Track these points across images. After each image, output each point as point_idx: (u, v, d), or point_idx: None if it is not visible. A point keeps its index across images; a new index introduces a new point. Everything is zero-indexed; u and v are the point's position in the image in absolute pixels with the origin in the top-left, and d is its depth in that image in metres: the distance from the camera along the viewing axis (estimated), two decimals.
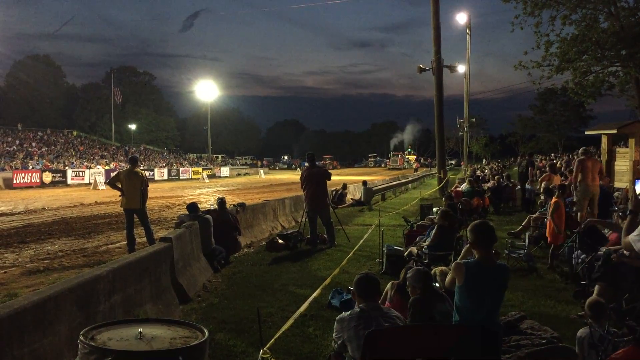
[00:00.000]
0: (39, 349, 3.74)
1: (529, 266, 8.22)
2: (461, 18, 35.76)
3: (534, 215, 10.87)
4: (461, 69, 33.14)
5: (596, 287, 5.63)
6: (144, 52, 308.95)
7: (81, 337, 2.75)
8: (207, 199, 24.97)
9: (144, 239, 10.74)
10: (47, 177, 35.64)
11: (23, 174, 34.12)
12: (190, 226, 8.18)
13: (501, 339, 3.97)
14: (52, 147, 50.73)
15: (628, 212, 5.50)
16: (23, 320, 3.64)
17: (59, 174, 37.30)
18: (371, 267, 8.59)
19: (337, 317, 3.62)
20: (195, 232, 8.32)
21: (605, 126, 16.24)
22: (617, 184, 14.15)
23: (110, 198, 22.46)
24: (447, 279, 4.04)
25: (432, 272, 5.38)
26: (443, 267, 5.55)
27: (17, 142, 48.15)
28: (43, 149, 47.97)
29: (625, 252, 5.40)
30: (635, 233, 4.94)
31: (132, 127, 78.95)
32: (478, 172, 29.47)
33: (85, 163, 45.29)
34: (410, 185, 32.46)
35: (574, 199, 11.10)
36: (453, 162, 77.78)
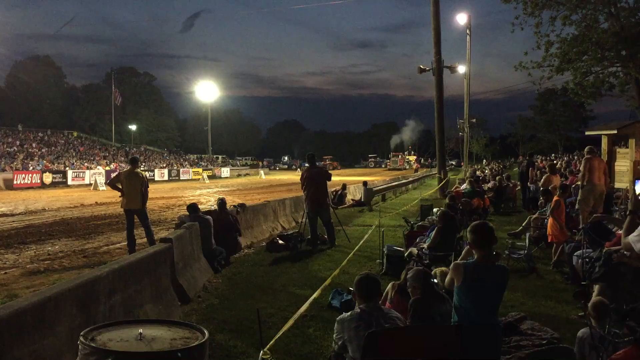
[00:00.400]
0: (39, 349, 3.74)
1: (529, 267, 8.22)
2: (461, 18, 35.78)
3: (534, 216, 10.87)
4: (461, 69, 33.15)
5: (596, 288, 5.63)
6: (144, 53, 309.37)
7: (81, 338, 2.75)
8: (207, 199, 24.98)
9: (145, 239, 10.74)
10: (48, 178, 35.66)
11: (23, 175, 34.13)
12: (191, 227, 8.18)
13: (501, 339, 3.97)
14: (53, 147, 50.74)
15: (628, 213, 5.49)
16: (23, 321, 3.64)
17: (59, 175, 37.31)
18: (371, 268, 8.59)
19: (338, 318, 3.62)
20: (195, 233, 8.32)
21: (605, 126, 16.25)
22: (617, 185, 14.15)
23: (110, 199, 22.46)
24: (446, 280, 4.05)
25: (433, 272, 5.38)
26: (443, 268, 5.55)
27: (18, 142, 48.16)
28: (43, 150, 47.98)
29: (625, 252, 5.39)
30: (635, 234, 4.93)
31: (133, 127, 79.02)
32: (478, 173, 29.46)
33: (86, 164, 45.30)
34: (410, 185, 32.45)
35: (579, 198, 11.07)
36: (453, 163, 77.79)
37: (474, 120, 42.29)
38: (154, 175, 45.76)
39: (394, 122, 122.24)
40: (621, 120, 18.87)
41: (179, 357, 2.64)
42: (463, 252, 4.63)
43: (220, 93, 75.87)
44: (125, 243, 10.57)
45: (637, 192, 11.54)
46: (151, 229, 10.67)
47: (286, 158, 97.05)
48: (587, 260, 6.35)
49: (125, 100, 78.12)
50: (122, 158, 53.49)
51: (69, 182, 37.17)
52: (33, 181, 34.14)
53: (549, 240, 8.72)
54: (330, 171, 12.18)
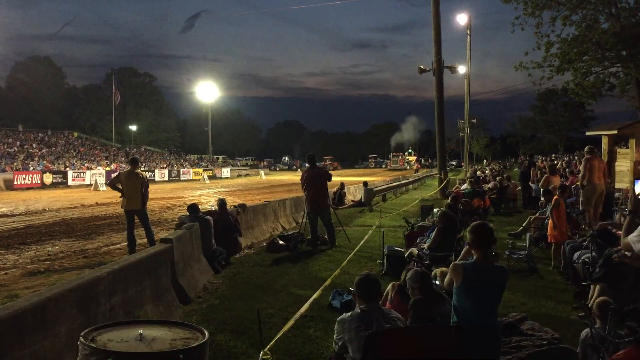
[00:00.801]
0: (39, 350, 3.74)
1: (530, 267, 8.22)
2: (462, 19, 35.79)
3: (534, 216, 10.87)
4: (462, 69, 33.18)
5: (597, 288, 5.62)
6: (144, 53, 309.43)
7: (81, 339, 2.75)
8: (207, 200, 24.99)
9: (145, 240, 10.74)
10: (48, 178, 35.68)
11: (24, 175, 34.15)
12: (191, 227, 8.19)
13: (500, 339, 3.97)
14: (53, 148, 50.77)
15: (627, 213, 5.49)
16: (23, 322, 3.64)
17: (59, 175, 37.33)
18: (372, 268, 8.59)
19: (338, 318, 3.61)
20: (195, 233, 8.33)
21: (606, 127, 16.25)
22: (618, 185, 14.15)
23: (110, 199, 22.47)
24: (445, 280, 4.05)
25: (433, 273, 5.38)
26: (443, 268, 5.55)
27: (18, 143, 48.19)
28: (44, 150, 48.00)
29: (627, 253, 5.39)
30: (634, 234, 4.93)
31: (133, 128, 79.07)
32: (479, 173, 29.46)
33: (86, 164, 45.32)
34: (410, 186, 32.45)
35: (582, 199, 11.07)
36: (454, 163, 77.76)
37: (475, 120, 42.30)
38: (154, 175, 45.77)
39: (395, 123, 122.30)
40: (622, 120, 18.87)
41: (181, 358, 2.64)
42: (462, 252, 4.62)
43: (220, 93, 76.06)
44: (126, 243, 10.58)
45: (637, 192, 11.56)
46: (151, 230, 10.67)
47: (286, 158, 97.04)
48: (587, 260, 6.36)
49: (126, 101, 78.23)
50: (123, 158, 53.51)
51: (69, 182, 37.18)
52: (33, 181, 34.16)
53: (549, 241, 8.72)
54: (330, 171, 12.18)
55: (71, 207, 20.37)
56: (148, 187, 10.51)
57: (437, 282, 4.99)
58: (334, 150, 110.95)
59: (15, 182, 32.51)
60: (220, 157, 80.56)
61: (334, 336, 3.60)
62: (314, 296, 5.84)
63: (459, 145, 68.48)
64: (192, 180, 50.31)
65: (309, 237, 10.98)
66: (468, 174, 26.12)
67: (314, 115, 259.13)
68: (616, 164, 14.91)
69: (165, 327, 3.09)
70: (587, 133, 18.65)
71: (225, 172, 60.60)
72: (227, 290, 7.59)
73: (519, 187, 18.59)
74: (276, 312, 6.30)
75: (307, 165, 11.63)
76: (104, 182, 32.94)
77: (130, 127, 78.72)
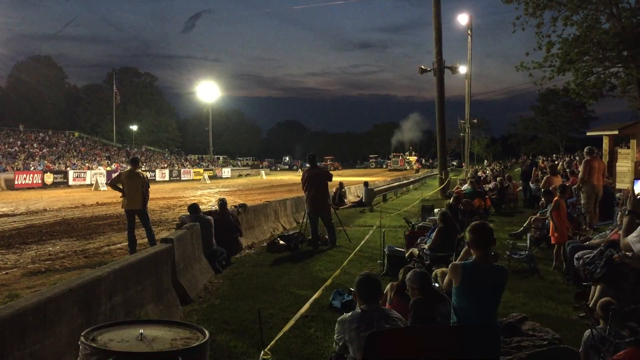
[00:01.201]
0: (40, 350, 3.74)
1: (531, 267, 8.21)
2: (462, 19, 35.83)
3: (535, 217, 10.87)
4: (462, 69, 33.21)
5: (598, 288, 5.62)
6: (145, 53, 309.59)
7: (82, 338, 2.75)
8: (208, 200, 24.99)
9: (145, 240, 10.75)
10: (49, 178, 35.70)
11: (25, 175, 34.17)
12: (192, 227, 8.19)
13: (500, 339, 3.97)
14: (54, 148, 50.81)
15: (626, 213, 5.49)
16: (24, 321, 3.64)
17: (60, 175, 37.35)
18: (372, 268, 8.59)
19: (339, 319, 3.61)
20: (196, 233, 8.33)
21: (606, 127, 16.26)
22: (618, 185, 14.16)
23: (111, 199, 22.48)
24: (444, 280, 4.05)
25: (433, 273, 5.38)
26: (444, 269, 5.55)
27: (19, 143, 48.23)
28: (45, 150, 48.04)
29: (627, 253, 5.40)
30: (634, 234, 4.94)
31: (134, 128, 79.11)
32: (479, 173, 29.44)
33: (87, 164, 45.34)
34: (411, 186, 32.44)
35: (582, 201, 11.07)
36: (454, 163, 77.72)
37: (475, 120, 42.28)
38: (155, 175, 45.78)
39: (395, 123, 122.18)
40: (623, 121, 18.87)
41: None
42: (462, 252, 4.62)
43: (221, 93, 76.06)
44: (126, 243, 10.58)
45: (637, 193, 11.55)
46: (152, 230, 10.68)
47: (287, 158, 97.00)
48: (588, 261, 6.36)
49: (127, 101, 78.29)
50: (123, 158, 53.54)
51: (70, 182, 37.19)
52: (34, 181, 34.18)
53: (552, 242, 8.70)
54: (331, 172, 12.18)
55: (72, 207, 20.38)
56: (149, 187, 10.52)
57: (437, 285, 4.99)
58: (335, 151, 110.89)
59: (16, 182, 32.53)
60: (221, 157, 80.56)
61: (335, 336, 3.60)
62: (315, 296, 5.85)
63: (459, 145, 68.44)
64: (193, 180, 50.31)
65: (310, 237, 10.98)
66: (469, 174, 26.11)
67: (315, 116, 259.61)
68: (617, 164, 14.91)
69: (165, 327, 3.09)
70: (588, 133, 18.67)
71: (226, 172, 60.60)
72: (228, 290, 7.59)
73: (520, 188, 18.61)
74: (277, 312, 6.30)
75: (307, 165, 11.63)
76: (104, 182, 32.95)
77: (131, 127, 78.76)
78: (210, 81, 70.08)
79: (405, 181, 32.72)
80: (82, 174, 39.23)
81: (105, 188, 31.12)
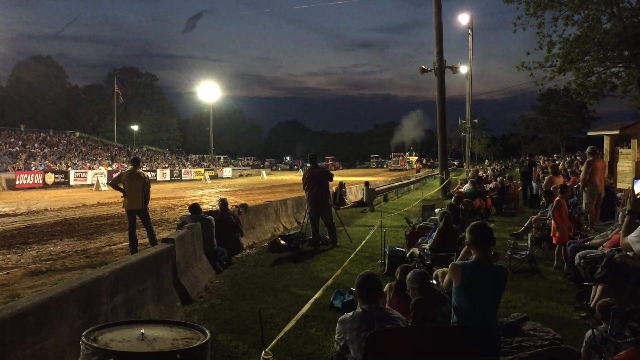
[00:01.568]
0: (41, 349, 3.74)
1: (532, 267, 8.21)
2: (463, 19, 35.83)
3: (535, 217, 10.86)
4: (463, 69, 33.21)
5: (599, 288, 5.62)
6: (146, 53, 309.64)
7: (83, 338, 2.75)
8: (209, 200, 25.00)
9: (146, 239, 10.76)
10: (50, 178, 35.72)
11: (26, 175, 34.19)
12: (193, 227, 8.19)
13: (500, 340, 3.97)
14: (55, 148, 50.84)
15: (626, 212, 5.48)
16: (25, 321, 3.64)
17: (61, 175, 37.36)
18: (373, 268, 8.58)
19: (339, 318, 3.61)
20: (197, 233, 8.33)
21: (607, 127, 16.23)
22: (619, 185, 14.13)
23: (112, 199, 22.49)
24: (444, 280, 4.05)
25: (434, 273, 5.38)
26: (444, 269, 5.55)
27: (20, 143, 48.26)
28: (46, 150, 48.07)
29: (629, 253, 5.39)
30: (634, 234, 4.92)
31: (135, 128, 79.16)
32: (480, 173, 29.45)
33: (88, 164, 45.37)
34: (412, 186, 32.44)
35: (586, 201, 11.04)
36: (455, 163, 77.66)
37: (476, 120, 42.29)
38: (156, 175, 45.80)
39: (396, 123, 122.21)
40: (623, 120, 18.84)
41: (178, 359, 2.64)
42: (462, 252, 4.63)
43: (222, 93, 76.00)
44: (127, 243, 10.59)
45: (637, 192, 11.53)
46: (153, 230, 10.68)
47: (288, 158, 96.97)
48: (589, 260, 6.35)
49: (128, 101, 78.30)
50: (124, 158, 53.55)
51: (71, 182, 37.21)
52: (35, 181, 34.20)
53: (554, 242, 8.69)
54: (332, 171, 12.17)
55: (73, 207, 20.40)
56: (150, 187, 10.52)
57: (435, 282, 4.99)
58: (336, 150, 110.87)
59: (17, 182, 32.55)
60: (222, 157, 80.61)
61: (335, 336, 3.60)
62: (316, 296, 5.84)
63: (460, 145, 68.42)
64: (194, 180, 50.34)
65: (311, 237, 10.98)
66: (469, 174, 26.10)
67: (316, 115, 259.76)
68: (618, 164, 14.90)
69: (166, 327, 3.09)
70: (589, 133, 18.65)
71: (227, 172, 60.62)
72: (229, 290, 7.59)
73: (521, 188, 18.61)
74: (278, 312, 6.31)
75: (308, 165, 11.63)
76: (105, 181, 32.97)
77: (132, 127, 78.82)
78: (211, 81, 70.09)
79: (406, 181, 32.72)
80: (83, 174, 39.25)
81: (106, 188, 31.13)
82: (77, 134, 64.32)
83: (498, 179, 19.16)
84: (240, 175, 61.66)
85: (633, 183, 12.52)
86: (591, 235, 8.64)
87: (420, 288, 4.42)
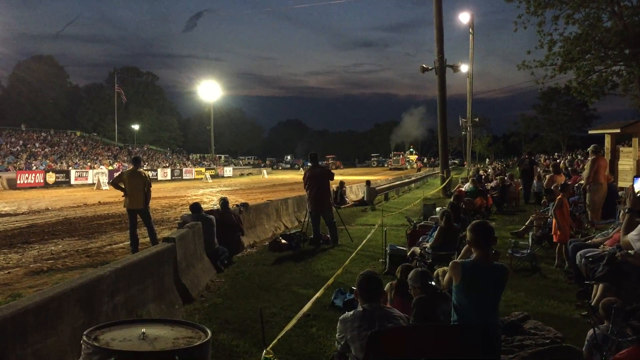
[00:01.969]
0: (42, 349, 3.75)
1: (533, 266, 8.20)
2: (464, 17, 35.77)
3: (536, 215, 10.85)
4: (464, 68, 33.19)
5: (600, 287, 5.61)
6: (147, 53, 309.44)
7: (84, 338, 2.76)
8: (210, 199, 25.00)
9: (147, 239, 10.76)
10: (51, 178, 35.74)
11: (27, 175, 34.22)
12: (194, 226, 8.19)
13: (500, 338, 3.96)
14: (56, 147, 50.84)
15: (626, 211, 5.48)
16: (26, 321, 3.65)
17: (62, 175, 37.38)
18: (374, 267, 8.58)
19: (340, 317, 3.61)
20: (198, 233, 8.33)
21: (608, 125, 16.21)
22: (620, 184, 14.11)
23: (113, 198, 22.50)
24: (445, 279, 4.04)
25: (435, 272, 5.38)
26: (445, 268, 5.55)
27: (21, 142, 48.27)
28: (46, 150, 48.09)
29: (630, 251, 5.38)
30: (634, 232, 4.93)
31: (135, 127, 79.22)
32: (481, 172, 29.44)
33: (89, 163, 45.38)
34: (413, 185, 32.43)
35: (590, 200, 11.01)
36: (456, 162, 77.57)
37: (477, 119, 42.26)
38: (156, 174, 45.82)
39: (397, 122, 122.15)
40: (625, 119, 18.83)
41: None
42: (462, 250, 4.62)
43: (222, 92, 76.18)
44: (128, 242, 10.60)
45: (637, 190, 11.51)
46: (154, 229, 10.68)
47: (289, 157, 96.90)
48: (590, 259, 6.34)
49: (128, 100, 78.35)
50: (125, 158, 53.55)
51: (72, 181, 37.24)
52: (36, 181, 34.22)
53: (554, 241, 8.68)
54: (333, 170, 12.17)
55: (74, 206, 20.41)
56: (150, 186, 10.53)
57: (433, 283, 4.99)
58: (336, 149, 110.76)
59: (18, 182, 32.58)
60: (223, 156, 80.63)
61: (336, 335, 3.60)
62: (317, 295, 5.83)
63: (461, 144, 68.36)
64: (195, 179, 50.37)
65: (312, 236, 10.98)
66: (471, 173, 26.09)
67: (316, 114, 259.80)
68: (619, 162, 14.88)
69: (167, 326, 3.09)
70: (589, 132, 18.61)
71: (228, 171, 60.64)
72: (230, 289, 7.60)
73: (521, 186, 18.61)
74: (279, 311, 6.31)
75: (309, 164, 11.63)
76: (106, 181, 33.02)
77: (133, 126, 78.89)
78: (211, 80, 70.24)
79: (406, 180, 32.71)
80: (84, 173, 39.27)
81: (107, 187, 31.16)
82: (78, 133, 64.33)
83: (499, 177, 19.15)
84: (241, 175, 61.67)
85: (633, 181, 12.52)
86: (592, 234, 8.63)
87: (422, 287, 4.42)
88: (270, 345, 3.79)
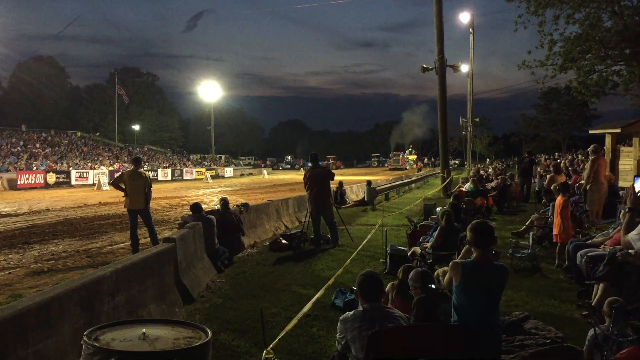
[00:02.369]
0: (43, 349, 3.75)
1: (533, 266, 8.20)
2: (464, 17, 35.77)
3: (537, 215, 10.85)
4: (464, 68, 33.17)
5: (600, 287, 5.61)
6: (147, 53, 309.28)
7: (85, 338, 2.76)
8: (210, 199, 25.01)
9: (148, 239, 10.76)
10: (51, 178, 35.76)
11: (27, 175, 34.23)
12: (194, 226, 8.19)
13: (501, 338, 3.96)
14: (56, 148, 50.85)
15: (627, 210, 5.48)
16: (27, 321, 3.65)
17: (62, 175, 37.40)
18: (375, 267, 8.58)
19: (341, 318, 3.61)
20: (198, 233, 8.34)
21: (609, 125, 16.20)
22: (621, 183, 14.10)
23: (114, 199, 22.51)
24: (445, 279, 4.04)
25: (435, 273, 5.38)
26: (445, 268, 5.55)
27: (21, 143, 48.28)
28: (47, 150, 48.09)
29: (630, 251, 5.38)
30: (634, 232, 4.93)
31: (136, 127, 79.25)
32: (482, 172, 29.44)
33: (89, 164, 45.40)
34: (413, 185, 32.41)
35: (591, 200, 11.01)
36: (456, 162, 77.52)
37: (477, 119, 42.23)
38: (157, 175, 45.85)
39: (397, 122, 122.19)
40: (625, 118, 18.83)
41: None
42: (462, 250, 4.62)
43: (223, 93, 76.22)
44: (129, 243, 10.60)
45: (637, 190, 11.51)
46: (154, 229, 10.69)
47: (289, 158, 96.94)
48: (591, 259, 6.34)
49: (129, 100, 78.41)
50: (126, 158, 53.56)
51: (73, 182, 37.26)
52: (37, 181, 34.24)
53: (555, 241, 8.68)
54: (333, 171, 12.17)
55: (74, 207, 20.42)
56: (151, 187, 10.53)
57: (434, 286, 4.99)
58: (337, 150, 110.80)
59: (19, 182, 32.60)
60: (223, 157, 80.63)
61: (337, 335, 3.60)
62: (317, 295, 5.84)
63: (461, 144, 68.32)
64: (195, 179, 50.39)
65: (312, 236, 10.98)
66: (471, 173, 26.10)
67: (317, 115, 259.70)
68: (619, 162, 14.87)
69: (168, 327, 3.09)
70: (590, 131, 18.60)
71: (228, 171, 60.66)
72: (230, 289, 7.60)
73: (520, 186, 18.64)
74: (279, 312, 6.31)
75: (309, 164, 11.63)
76: (107, 181, 33.05)
77: (133, 126, 78.91)
78: (212, 81, 70.33)
79: (407, 180, 32.69)
80: (85, 173, 39.29)
81: (107, 188, 31.18)
82: (79, 133, 64.32)
83: (499, 177, 19.15)
84: (242, 175, 61.69)
85: (634, 181, 12.52)
86: (593, 234, 8.63)
87: (422, 287, 4.42)
88: (271, 346, 3.80)
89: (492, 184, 18.48)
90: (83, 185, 36.96)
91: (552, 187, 11.22)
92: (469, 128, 40.06)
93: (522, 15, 19.83)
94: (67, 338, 4.03)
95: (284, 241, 10.62)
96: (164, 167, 52.22)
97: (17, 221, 15.70)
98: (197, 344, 2.80)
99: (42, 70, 75.81)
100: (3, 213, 18.08)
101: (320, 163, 11.62)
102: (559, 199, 8.62)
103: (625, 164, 14.49)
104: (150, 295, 5.83)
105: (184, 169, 53.58)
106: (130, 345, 2.74)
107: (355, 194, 23.43)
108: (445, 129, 24.13)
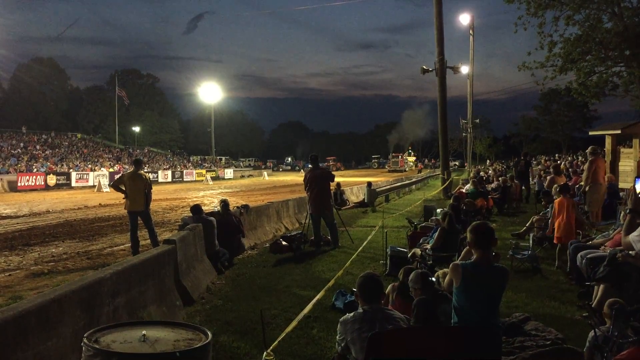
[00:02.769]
0: (43, 351, 3.75)
1: (533, 267, 8.19)
2: (464, 19, 35.84)
3: (537, 217, 10.85)
4: (464, 69, 33.21)
5: (601, 288, 5.61)
6: (147, 55, 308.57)
7: (85, 340, 2.76)
8: (210, 201, 25.00)
9: (148, 241, 10.76)
10: (52, 180, 35.77)
11: (27, 177, 34.24)
12: (194, 228, 8.19)
13: (501, 339, 3.96)
14: (57, 149, 50.86)
15: (628, 211, 5.48)
16: (27, 323, 3.65)
17: (63, 177, 37.42)
18: (375, 269, 8.57)
19: (341, 319, 3.61)
20: (199, 234, 8.34)
21: (609, 126, 16.23)
22: (621, 184, 14.12)
23: (114, 200, 22.51)
24: (445, 280, 4.04)
25: (435, 274, 5.38)
26: (445, 270, 5.55)
27: (22, 144, 48.30)
28: (47, 152, 48.11)
29: (630, 252, 5.38)
30: (635, 233, 4.93)
31: (136, 129, 79.24)
32: (482, 173, 29.44)
33: (90, 165, 45.40)
34: (413, 186, 32.41)
35: (590, 200, 11.01)
36: (457, 163, 77.49)
37: (478, 120, 42.29)
38: (157, 176, 45.86)
39: (398, 123, 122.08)
40: (625, 120, 18.83)
41: (178, 357, 2.64)
42: (463, 252, 4.62)
43: (223, 94, 76.22)
44: (129, 245, 10.60)
45: (638, 191, 11.51)
46: (154, 231, 10.69)
47: (289, 159, 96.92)
48: (591, 260, 6.34)
49: (129, 102, 78.45)
50: (126, 160, 53.57)
51: (73, 184, 37.27)
52: (37, 183, 34.25)
53: (555, 242, 8.67)
54: (333, 172, 12.17)
55: (75, 209, 20.42)
56: (151, 188, 10.53)
57: (433, 279, 4.99)
58: (337, 151, 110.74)
59: (19, 184, 32.61)
60: (224, 158, 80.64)
61: (337, 337, 3.60)
62: (317, 297, 5.84)
63: (461, 145, 68.34)
64: (195, 181, 50.40)
65: (312, 237, 10.98)
66: (471, 174, 26.09)
67: (317, 116, 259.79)
68: (620, 163, 14.89)
69: (168, 328, 3.09)
70: (590, 133, 18.64)
71: (229, 173, 60.67)
72: (231, 291, 7.60)
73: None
74: (279, 313, 6.31)
75: (310, 166, 11.64)
76: (107, 183, 33.03)
77: (134, 128, 78.91)
78: (212, 82, 70.33)
79: (407, 181, 32.69)
80: (85, 175, 39.31)
81: (107, 189, 31.18)
82: (79, 135, 64.36)
83: (500, 178, 19.15)
84: (242, 176, 61.68)
85: (635, 182, 12.52)
86: (593, 235, 8.63)
87: (423, 288, 4.42)
88: (271, 347, 3.79)
89: (493, 185, 18.48)
90: (83, 187, 36.97)
91: (552, 189, 11.24)
92: (469, 129, 40.08)
93: (522, 17, 19.90)
94: (67, 340, 4.03)
95: (284, 243, 10.61)
96: (164, 169, 52.24)
97: (18, 223, 15.70)
98: (197, 346, 2.80)
99: (43, 71, 75.81)
100: (3, 215, 18.08)
101: (320, 165, 11.62)
102: (559, 200, 8.62)
103: (626, 165, 14.50)
104: (151, 297, 5.83)
105: (184, 171, 53.60)
106: (131, 347, 2.74)
107: (355, 195, 23.43)
108: (445, 130, 24.14)
